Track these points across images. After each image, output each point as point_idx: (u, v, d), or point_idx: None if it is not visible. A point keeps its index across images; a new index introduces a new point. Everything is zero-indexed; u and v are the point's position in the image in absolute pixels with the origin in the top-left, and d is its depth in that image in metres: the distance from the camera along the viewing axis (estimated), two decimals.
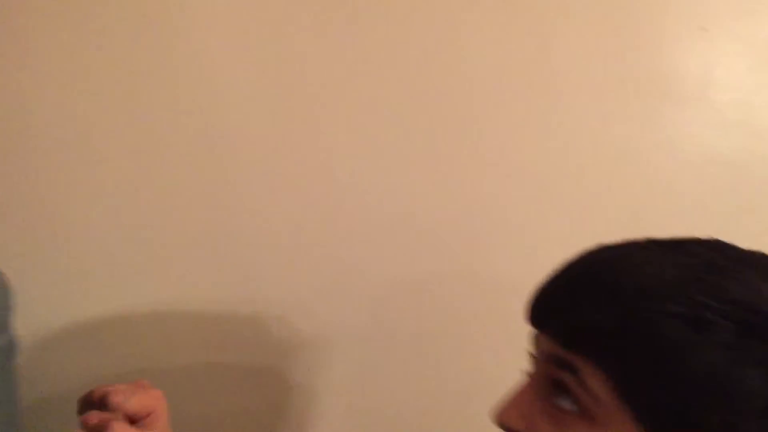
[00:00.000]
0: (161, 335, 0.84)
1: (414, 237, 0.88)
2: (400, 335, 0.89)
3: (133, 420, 0.50)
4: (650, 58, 0.90)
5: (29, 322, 0.78)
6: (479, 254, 0.89)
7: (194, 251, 0.84)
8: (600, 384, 0.43)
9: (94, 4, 0.79)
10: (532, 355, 0.51)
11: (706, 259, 0.45)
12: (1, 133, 0.79)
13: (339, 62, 0.84)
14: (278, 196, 0.85)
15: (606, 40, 0.89)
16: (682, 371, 0.41)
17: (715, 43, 0.92)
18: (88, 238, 0.81)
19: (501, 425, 0.49)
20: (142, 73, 0.81)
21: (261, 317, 0.86)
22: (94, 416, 0.48)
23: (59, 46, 0.79)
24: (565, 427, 0.45)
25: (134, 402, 0.50)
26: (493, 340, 0.89)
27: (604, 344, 0.44)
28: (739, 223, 0.92)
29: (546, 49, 0.88)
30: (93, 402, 0.50)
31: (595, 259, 0.48)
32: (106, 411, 0.49)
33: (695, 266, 0.44)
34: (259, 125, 0.84)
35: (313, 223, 0.86)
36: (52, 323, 0.81)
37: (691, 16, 0.90)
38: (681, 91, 0.91)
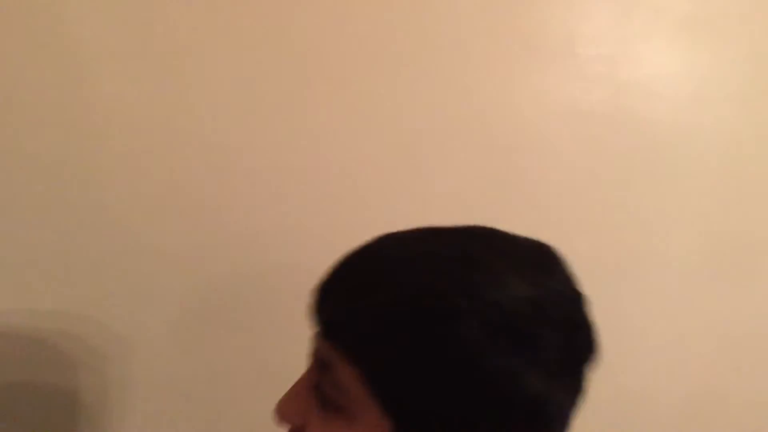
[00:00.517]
0: None
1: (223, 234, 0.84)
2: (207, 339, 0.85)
3: None
4: (518, 14, 0.93)
5: None
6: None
7: None
8: (352, 379, 0.44)
9: None
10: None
11: (464, 252, 0.45)
12: None
13: None
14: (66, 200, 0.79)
15: None
16: (426, 364, 0.41)
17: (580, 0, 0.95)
18: None
19: (280, 422, 0.49)
20: None
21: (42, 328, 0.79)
22: None
23: None
24: (330, 423, 0.46)
25: None
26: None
27: (355, 338, 0.44)
28: (601, 171, 0.97)
29: (415, 7, 0.89)
30: None
31: (358, 256, 0.48)
32: None
33: (452, 259, 0.44)
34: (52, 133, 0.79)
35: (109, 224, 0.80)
36: None
37: None
38: (547, 45, 0.94)
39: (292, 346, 0.82)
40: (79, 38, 0.78)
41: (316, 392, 0.48)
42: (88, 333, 0.81)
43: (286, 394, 0.50)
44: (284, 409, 0.49)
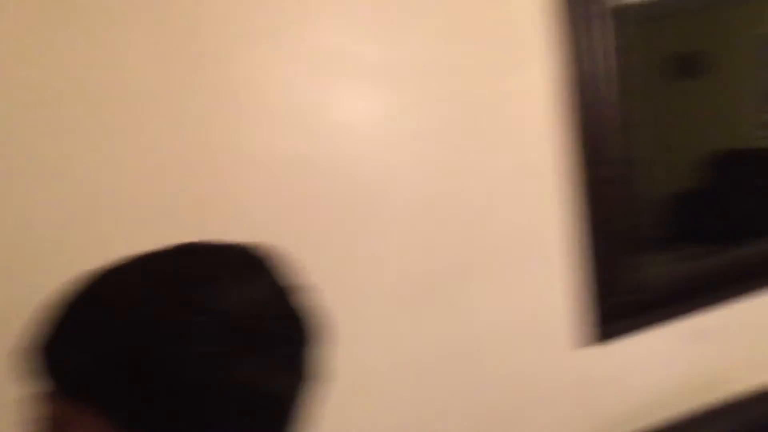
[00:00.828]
0: None
1: None
2: None
3: None
4: (213, 66, 0.97)
5: None
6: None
7: None
8: (98, 430, 0.43)
9: None
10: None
11: (178, 273, 0.45)
12: None
13: None
14: None
15: (172, 49, 0.94)
16: (171, 390, 0.42)
17: (274, 50, 1.02)
18: None
19: None
20: None
21: None
22: None
23: None
24: None
25: None
26: None
27: (96, 385, 0.43)
28: (304, 213, 1.04)
29: (115, 58, 0.90)
30: None
31: (79, 301, 0.46)
32: None
33: (168, 283, 0.44)
34: None
35: None
36: None
37: (251, 26, 0.99)
38: (241, 95, 0.99)
39: None
40: None
41: None
42: None
43: None
44: None
